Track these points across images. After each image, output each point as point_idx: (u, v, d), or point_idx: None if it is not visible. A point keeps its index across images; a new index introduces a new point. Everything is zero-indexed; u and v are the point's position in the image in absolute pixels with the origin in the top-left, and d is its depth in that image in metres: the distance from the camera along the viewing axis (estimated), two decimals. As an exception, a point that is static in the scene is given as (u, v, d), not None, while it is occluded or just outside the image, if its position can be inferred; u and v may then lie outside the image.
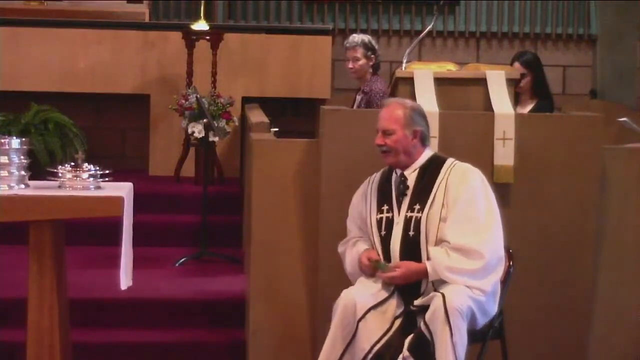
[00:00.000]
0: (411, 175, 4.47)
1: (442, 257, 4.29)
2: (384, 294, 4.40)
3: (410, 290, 4.37)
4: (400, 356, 4.21)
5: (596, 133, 5.06)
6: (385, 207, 4.48)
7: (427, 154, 4.50)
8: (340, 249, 4.64)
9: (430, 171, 4.45)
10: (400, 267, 4.34)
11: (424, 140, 4.49)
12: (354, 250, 4.55)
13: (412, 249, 4.37)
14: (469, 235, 4.30)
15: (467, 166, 4.47)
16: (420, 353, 4.18)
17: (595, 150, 5.04)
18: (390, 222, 4.45)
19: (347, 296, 4.36)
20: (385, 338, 4.30)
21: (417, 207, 4.40)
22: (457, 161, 4.48)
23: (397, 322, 4.36)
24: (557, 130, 5.05)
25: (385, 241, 4.43)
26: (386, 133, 4.45)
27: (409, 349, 4.20)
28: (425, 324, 4.18)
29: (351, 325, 4.31)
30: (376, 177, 4.60)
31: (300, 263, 5.10)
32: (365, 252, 4.47)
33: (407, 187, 4.45)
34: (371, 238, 4.51)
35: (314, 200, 5.01)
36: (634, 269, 5.13)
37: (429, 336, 4.16)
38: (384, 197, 4.51)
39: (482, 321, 4.33)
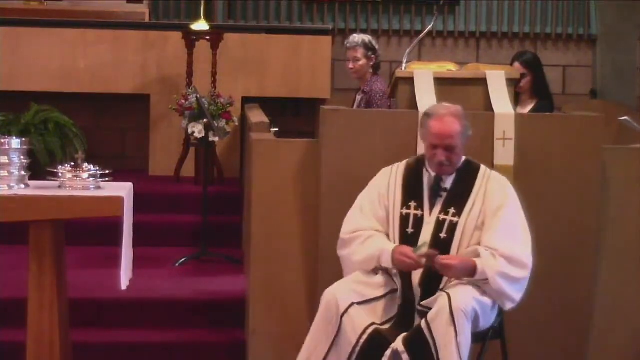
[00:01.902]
0: (449, 177, 4.46)
1: (494, 261, 4.28)
2: (376, 293, 4.39)
3: (429, 287, 4.36)
4: (391, 348, 4.20)
5: (596, 133, 5.06)
6: (413, 204, 4.46)
7: (461, 157, 4.51)
8: (343, 251, 4.55)
9: (468, 176, 4.46)
10: (453, 258, 4.30)
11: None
12: (369, 248, 4.43)
13: (441, 251, 4.33)
14: (515, 246, 4.33)
15: (502, 177, 4.52)
16: (417, 351, 4.17)
17: (595, 150, 5.04)
18: (419, 221, 4.43)
19: (328, 294, 4.35)
20: (372, 329, 4.27)
21: (452, 210, 4.41)
22: (487, 169, 4.52)
23: (391, 318, 4.36)
24: (557, 130, 5.05)
25: (412, 239, 4.40)
26: (449, 149, 4.41)
27: (404, 344, 4.18)
28: (427, 323, 4.17)
29: (334, 322, 4.29)
30: (399, 168, 4.56)
31: (300, 263, 5.10)
32: (398, 249, 4.37)
33: (444, 189, 4.44)
34: (391, 234, 4.47)
35: (314, 200, 5.00)
36: (634, 269, 5.13)
37: (429, 336, 4.15)
38: (412, 192, 4.48)
39: (483, 324, 4.32)
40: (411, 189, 4.50)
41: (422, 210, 4.45)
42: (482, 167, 4.51)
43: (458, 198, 4.42)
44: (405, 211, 4.47)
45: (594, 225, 5.06)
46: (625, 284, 5.14)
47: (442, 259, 4.27)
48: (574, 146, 5.02)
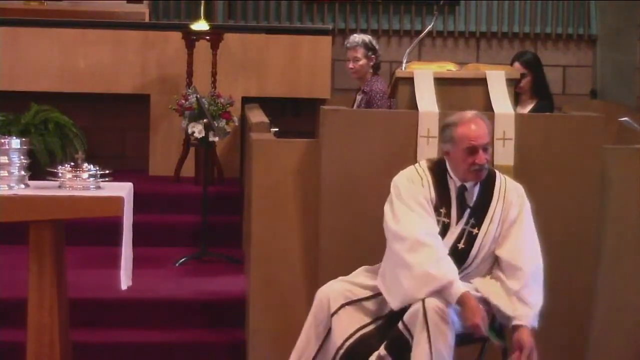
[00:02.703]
0: (474, 188, 4.43)
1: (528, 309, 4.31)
2: (369, 292, 4.39)
3: None
4: (376, 353, 4.20)
5: (596, 133, 5.06)
6: (443, 211, 4.41)
7: None
8: (410, 255, 4.24)
9: (487, 185, 4.44)
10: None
11: None
12: (434, 267, 4.18)
13: (458, 261, 4.32)
14: (531, 261, 4.37)
15: (516, 184, 4.52)
16: (398, 353, 4.16)
17: (595, 150, 5.04)
18: (445, 228, 4.40)
19: (320, 292, 4.37)
20: (359, 333, 4.28)
21: (472, 221, 4.40)
22: (501, 175, 4.51)
23: (379, 321, 4.35)
24: (557, 130, 5.05)
25: None
26: (486, 149, 4.39)
27: (386, 348, 4.18)
28: (404, 323, 4.16)
29: (325, 322, 4.32)
30: (425, 171, 4.43)
31: (300, 263, 5.10)
32: (479, 310, 4.20)
33: (470, 200, 4.42)
34: None
35: (314, 200, 5.00)
36: (634, 269, 5.13)
37: (408, 337, 4.14)
38: (442, 199, 4.41)
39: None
40: (442, 197, 4.42)
41: (449, 219, 4.41)
42: (497, 175, 4.48)
43: (481, 209, 4.40)
44: (436, 217, 4.41)
45: (594, 225, 5.06)
46: (625, 284, 5.14)
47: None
48: (574, 146, 5.02)
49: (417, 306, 4.11)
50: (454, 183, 4.43)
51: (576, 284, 5.05)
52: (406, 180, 4.39)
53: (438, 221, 4.40)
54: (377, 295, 4.40)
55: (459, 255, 4.35)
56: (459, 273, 4.28)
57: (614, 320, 5.15)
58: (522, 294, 4.28)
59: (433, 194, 4.39)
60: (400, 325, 4.18)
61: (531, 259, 4.36)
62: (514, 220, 4.40)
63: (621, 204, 5.11)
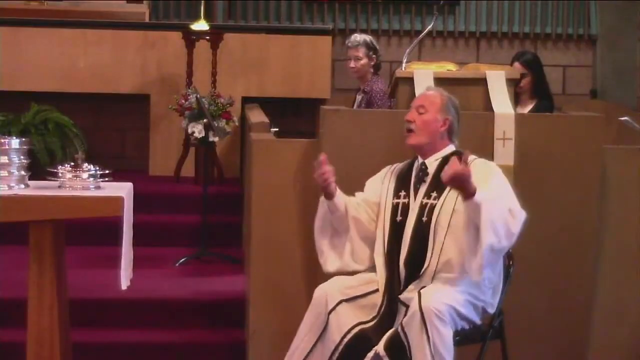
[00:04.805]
0: (432, 164, 4.50)
1: (491, 196, 4.18)
2: (365, 289, 4.41)
3: (413, 266, 4.36)
4: (373, 350, 4.20)
5: (596, 133, 5.06)
6: (402, 193, 4.52)
7: (450, 148, 4.54)
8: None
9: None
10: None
11: (451, 133, 4.54)
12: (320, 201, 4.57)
13: (422, 235, 4.39)
14: (513, 214, 4.24)
15: (489, 162, 4.54)
16: (396, 355, 4.17)
17: (595, 150, 5.04)
18: (406, 208, 4.48)
19: (319, 289, 4.40)
20: (357, 329, 4.29)
21: (433, 194, 4.44)
22: (477, 158, 4.49)
23: (377, 317, 4.36)
24: (557, 130, 5.05)
25: (399, 226, 4.46)
26: (419, 110, 4.48)
27: (385, 348, 4.19)
28: (402, 326, 4.17)
29: (322, 318, 4.34)
30: (398, 166, 4.64)
31: (300, 263, 5.10)
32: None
33: (427, 174, 4.49)
34: (382, 223, 4.51)
35: (314, 200, 5.00)
36: (634, 269, 5.13)
37: (405, 339, 4.14)
38: (402, 183, 4.54)
39: (468, 319, 4.31)
40: (403, 180, 4.56)
41: (409, 198, 4.49)
42: (471, 157, 4.40)
43: (440, 183, 4.37)
44: (395, 200, 4.52)
45: (594, 225, 5.06)
46: (625, 284, 5.14)
47: (455, 163, 4.15)
48: (574, 146, 5.03)
49: (415, 308, 4.12)
50: (417, 163, 4.54)
51: (576, 283, 5.05)
52: (375, 176, 4.66)
53: (397, 204, 4.49)
54: (374, 292, 4.42)
55: (423, 229, 4.39)
56: (430, 250, 4.34)
57: (614, 320, 5.15)
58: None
59: (394, 177, 4.57)
60: (398, 327, 4.19)
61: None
62: (483, 181, 4.28)
63: (621, 204, 5.12)
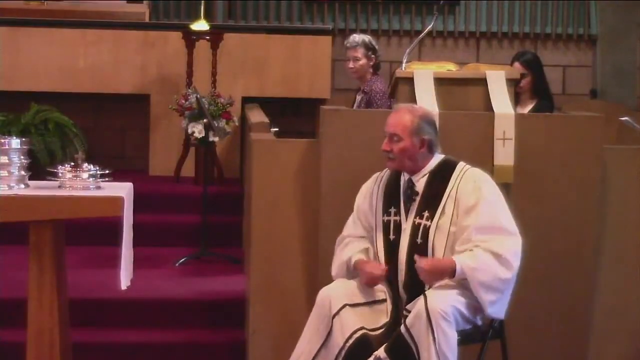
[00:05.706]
0: (420, 180, 4.40)
1: (471, 259, 4.21)
2: (369, 297, 4.38)
3: (413, 290, 4.33)
4: (373, 356, 4.19)
5: (596, 133, 5.06)
6: (392, 210, 4.43)
7: (436, 159, 4.43)
8: (336, 249, 4.60)
9: (441, 177, 4.38)
10: (425, 261, 4.23)
11: (431, 148, 4.40)
12: (343, 254, 4.49)
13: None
14: (503, 244, 4.25)
15: (477, 173, 4.40)
16: (398, 356, 4.15)
17: (595, 150, 5.04)
18: (397, 226, 4.40)
19: (322, 292, 4.36)
20: (359, 333, 4.27)
21: (425, 214, 4.34)
22: (467, 166, 4.41)
23: (383, 325, 4.34)
24: (557, 130, 5.05)
25: (393, 245, 4.39)
26: (393, 139, 4.37)
27: (386, 350, 4.17)
28: (407, 327, 4.15)
29: (327, 322, 4.30)
30: (384, 175, 4.53)
31: (300, 263, 5.10)
32: (368, 266, 4.39)
33: (416, 193, 4.39)
34: (374, 240, 4.46)
35: (314, 200, 5.01)
36: (634, 270, 5.13)
37: (410, 340, 4.13)
38: (391, 199, 4.45)
39: (471, 321, 4.30)
40: (391, 195, 4.46)
41: (400, 216, 4.41)
42: (459, 165, 4.39)
43: (431, 201, 4.33)
44: (386, 218, 4.44)
45: (594, 225, 5.06)
46: (625, 285, 5.14)
47: (417, 262, 4.23)
48: (574, 146, 5.02)
49: (420, 309, 4.11)
50: (404, 179, 4.45)
51: (576, 284, 5.05)
52: (369, 181, 4.57)
53: (388, 222, 4.41)
54: (380, 301, 4.40)
55: (420, 251, 4.31)
56: None
57: (614, 320, 5.15)
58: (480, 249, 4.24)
59: (381, 192, 4.48)
60: (402, 328, 4.17)
61: (496, 243, 4.25)
62: (470, 209, 4.28)
63: (621, 204, 5.11)
